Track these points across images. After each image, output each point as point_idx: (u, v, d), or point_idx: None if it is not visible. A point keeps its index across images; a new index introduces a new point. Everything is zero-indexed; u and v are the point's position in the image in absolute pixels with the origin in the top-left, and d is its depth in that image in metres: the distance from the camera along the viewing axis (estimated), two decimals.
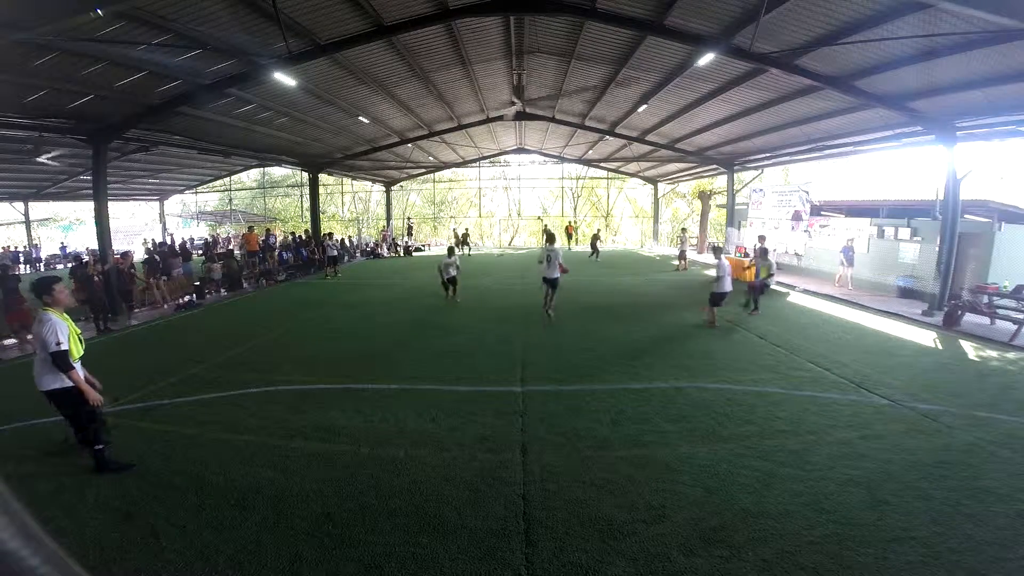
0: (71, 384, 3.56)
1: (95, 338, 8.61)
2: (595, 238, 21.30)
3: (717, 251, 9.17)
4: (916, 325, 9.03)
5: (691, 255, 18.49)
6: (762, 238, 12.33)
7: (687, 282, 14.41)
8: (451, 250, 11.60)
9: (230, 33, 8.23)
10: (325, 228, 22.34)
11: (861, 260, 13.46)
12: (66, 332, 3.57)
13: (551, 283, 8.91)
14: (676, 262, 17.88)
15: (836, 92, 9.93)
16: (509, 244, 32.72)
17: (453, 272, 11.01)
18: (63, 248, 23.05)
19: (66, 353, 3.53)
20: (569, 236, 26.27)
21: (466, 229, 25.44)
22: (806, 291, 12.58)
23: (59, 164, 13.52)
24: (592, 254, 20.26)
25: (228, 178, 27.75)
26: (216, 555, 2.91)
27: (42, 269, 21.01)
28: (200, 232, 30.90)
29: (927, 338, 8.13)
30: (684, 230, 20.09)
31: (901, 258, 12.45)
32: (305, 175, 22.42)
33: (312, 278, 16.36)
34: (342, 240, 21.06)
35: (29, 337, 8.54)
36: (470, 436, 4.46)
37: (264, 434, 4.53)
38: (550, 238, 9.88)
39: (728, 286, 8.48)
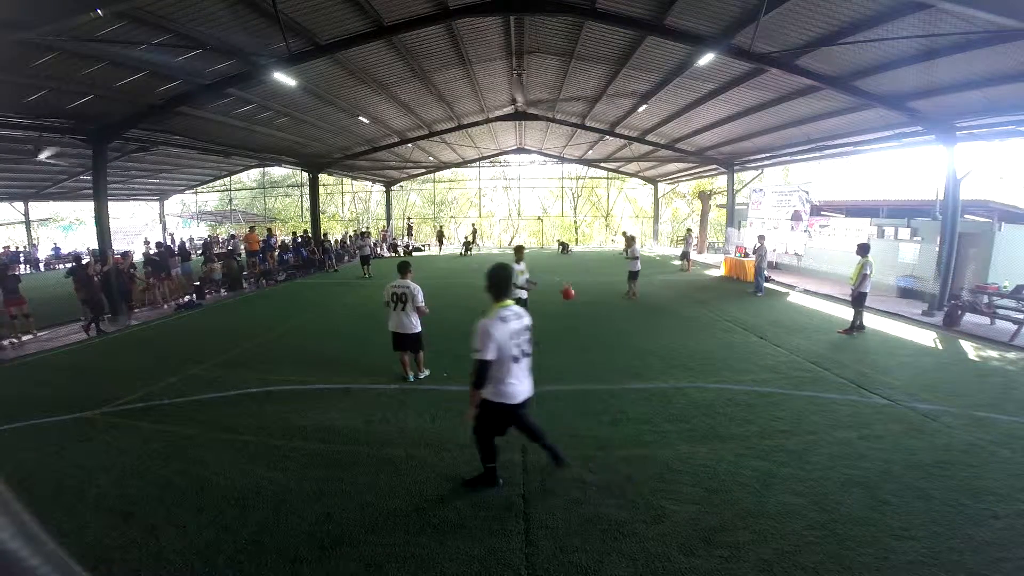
0: None
1: (94, 338, 8.61)
2: (565, 244, 26.17)
3: (631, 241, 12.18)
4: (916, 325, 9.02)
5: (692, 255, 18.52)
6: (761, 238, 12.35)
7: (689, 282, 14.42)
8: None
9: (230, 33, 8.23)
10: (325, 228, 22.48)
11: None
12: None
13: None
14: (678, 262, 17.90)
15: (836, 92, 9.92)
16: (509, 244, 32.70)
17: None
18: (56, 249, 22.98)
19: None
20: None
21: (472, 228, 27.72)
22: (806, 291, 12.58)
23: (59, 163, 13.49)
24: (562, 251, 25.03)
25: (228, 178, 27.79)
26: (216, 555, 2.91)
27: (42, 269, 21.01)
28: (200, 232, 30.89)
29: (927, 338, 8.12)
30: (689, 231, 20.18)
31: (901, 258, 12.45)
32: (305, 175, 22.42)
33: (312, 278, 16.36)
34: (366, 231, 21.34)
35: (27, 338, 8.56)
36: (470, 436, 4.44)
37: (264, 434, 4.53)
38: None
39: (639, 266, 11.99)
